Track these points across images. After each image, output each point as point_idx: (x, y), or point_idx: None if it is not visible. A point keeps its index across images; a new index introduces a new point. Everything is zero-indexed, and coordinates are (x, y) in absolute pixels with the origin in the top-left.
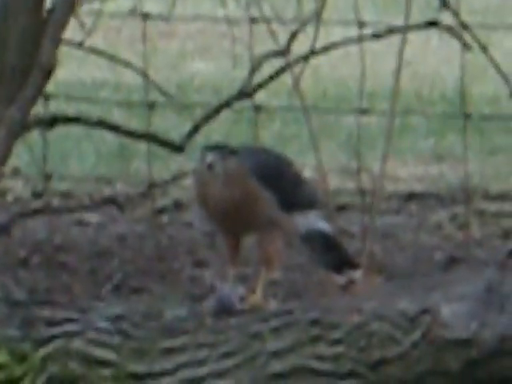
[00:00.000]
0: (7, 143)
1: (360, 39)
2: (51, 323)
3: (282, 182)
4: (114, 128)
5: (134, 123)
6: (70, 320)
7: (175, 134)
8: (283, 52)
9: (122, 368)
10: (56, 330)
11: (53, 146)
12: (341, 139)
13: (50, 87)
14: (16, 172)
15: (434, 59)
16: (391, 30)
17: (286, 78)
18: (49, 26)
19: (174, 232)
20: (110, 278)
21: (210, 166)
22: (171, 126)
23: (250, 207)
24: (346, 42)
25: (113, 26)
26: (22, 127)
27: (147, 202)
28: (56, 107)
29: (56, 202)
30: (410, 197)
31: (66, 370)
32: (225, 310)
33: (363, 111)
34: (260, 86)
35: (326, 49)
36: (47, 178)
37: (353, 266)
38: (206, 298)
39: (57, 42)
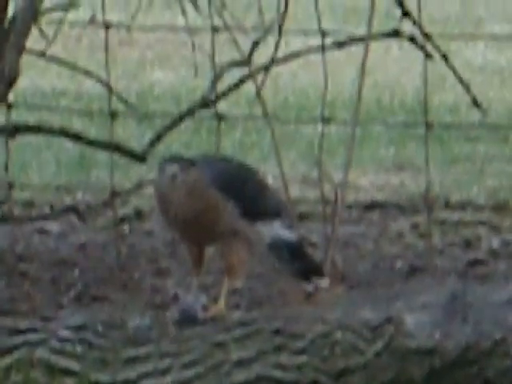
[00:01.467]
0: None
1: (322, 48)
2: (14, 332)
3: (244, 192)
4: (76, 137)
5: (94, 132)
6: (32, 329)
7: (135, 143)
8: (245, 61)
9: (86, 377)
10: (19, 340)
11: (13, 155)
12: (301, 149)
13: (10, 96)
14: None
15: (394, 68)
16: (354, 39)
17: (247, 87)
18: (11, 35)
19: (135, 241)
20: (72, 287)
21: (171, 178)
22: (131, 135)
23: (211, 217)
24: (309, 51)
25: (72, 34)
26: None
27: (108, 211)
28: (17, 116)
29: (17, 211)
30: (371, 206)
31: (29, 380)
32: (188, 319)
33: (325, 120)
34: (223, 94)
35: (288, 58)
36: (9, 186)
37: (319, 273)
38: (168, 307)
39: (19, 51)
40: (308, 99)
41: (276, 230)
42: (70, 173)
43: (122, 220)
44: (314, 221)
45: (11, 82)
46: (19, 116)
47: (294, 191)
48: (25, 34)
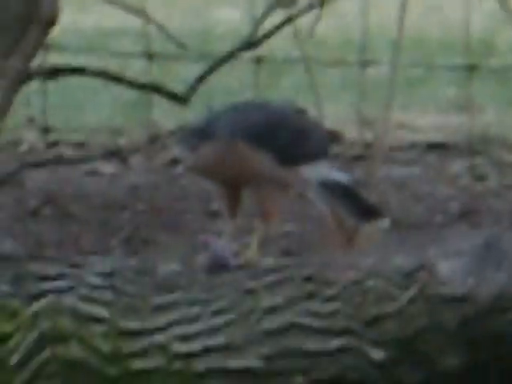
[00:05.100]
0: (8, 94)
1: None
2: (42, 279)
3: (280, 138)
4: (116, 79)
5: (155, 73)
6: (61, 275)
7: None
8: (291, 2)
9: (114, 324)
10: (47, 286)
11: (69, 95)
12: (364, 90)
13: (62, 36)
14: (31, 122)
15: (460, 6)
16: None
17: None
18: None
19: (187, 183)
20: (121, 229)
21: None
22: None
23: (243, 172)
24: None
25: None
26: (24, 78)
27: (162, 152)
28: (73, 58)
29: (69, 152)
30: (429, 147)
31: (56, 327)
32: (219, 265)
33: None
34: (266, 36)
35: None
36: (45, 130)
37: (378, 214)
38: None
39: None
40: (374, 40)
41: (324, 171)
42: (126, 114)
43: (175, 161)
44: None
45: (50, 23)
46: (75, 59)
47: (352, 132)
48: None
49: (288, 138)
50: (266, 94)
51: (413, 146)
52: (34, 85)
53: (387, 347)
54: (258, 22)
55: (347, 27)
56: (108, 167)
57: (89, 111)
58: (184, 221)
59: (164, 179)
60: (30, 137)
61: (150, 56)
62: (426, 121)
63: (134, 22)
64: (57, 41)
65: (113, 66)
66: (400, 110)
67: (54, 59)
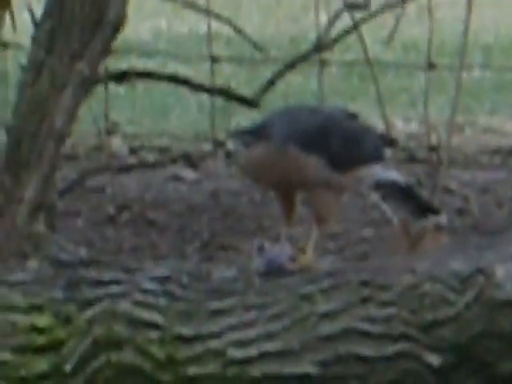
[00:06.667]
0: (76, 98)
1: None
2: (97, 284)
3: (332, 142)
4: (186, 83)
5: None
6: (116, 281)
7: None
8: (363, 5)
9: (169, 330)
10: (102, 292)
11: (156, 101)
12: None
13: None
14: (115, 127)
15: None
16: None
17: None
18: None
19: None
20: (199, 235)
21: (239, 155)
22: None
23: (296, 177)
24: None
25: None
26: (91, 82)
27: None
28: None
29: (151, 158)
30: None
31: (111, 333)
32: (274, 270)
33: (481, 66)
34: (335, 40)
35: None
36: (107, 132)
37: (434, 211)
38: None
39: None
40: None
41: (379, 172)
42: (211, 119)
43: None
44: (455, 167)
45: (117, 28)
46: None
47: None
48: None
49: (340, 142)
50: (355, 99)
51: (498, 150)
52: (120, 90)
53: (444, 352)
54: (327, 26)
55: (441, 31)
56: (190, 173)
57: (175, 117)
58: (263, 227)
59: (245, 185)
60: (114, 143)
61: (239, 60)
62: None
63: (226, 28)
64: (150, 46)
65: (203, 71)
66: (488, 115)
67: (141, 64)
